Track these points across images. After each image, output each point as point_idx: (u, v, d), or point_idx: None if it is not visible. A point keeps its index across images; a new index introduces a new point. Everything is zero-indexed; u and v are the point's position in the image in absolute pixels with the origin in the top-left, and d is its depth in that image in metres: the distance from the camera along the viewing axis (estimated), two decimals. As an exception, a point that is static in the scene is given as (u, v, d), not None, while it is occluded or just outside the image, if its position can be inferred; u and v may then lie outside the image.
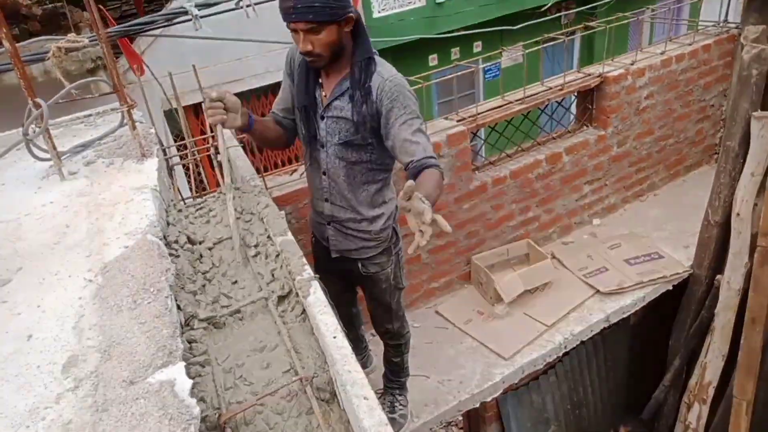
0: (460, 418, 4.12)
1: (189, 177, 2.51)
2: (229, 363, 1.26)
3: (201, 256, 1.59)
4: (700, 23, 4.12)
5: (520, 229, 3.51)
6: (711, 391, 3.26)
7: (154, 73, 5.52)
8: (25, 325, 1.23)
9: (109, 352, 1.12)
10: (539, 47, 3.33)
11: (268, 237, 1.58)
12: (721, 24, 4.07)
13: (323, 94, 1.89)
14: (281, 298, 1.40)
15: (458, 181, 3.13)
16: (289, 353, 1.23)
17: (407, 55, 7.00)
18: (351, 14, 1.72)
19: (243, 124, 1.80)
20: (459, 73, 3.23)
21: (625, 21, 3.50)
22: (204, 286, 1.48)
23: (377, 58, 1.84)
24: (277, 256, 1.50)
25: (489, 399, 2.84)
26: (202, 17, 2.58)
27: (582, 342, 3.13)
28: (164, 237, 1.58)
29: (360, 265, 2.18)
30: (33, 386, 1.07)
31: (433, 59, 7.40)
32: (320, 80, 1.89)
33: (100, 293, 1.28)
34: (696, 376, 3.33)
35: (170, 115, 4.89)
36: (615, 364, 3.72)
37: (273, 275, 1.46)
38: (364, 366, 2.90)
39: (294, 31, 1.71)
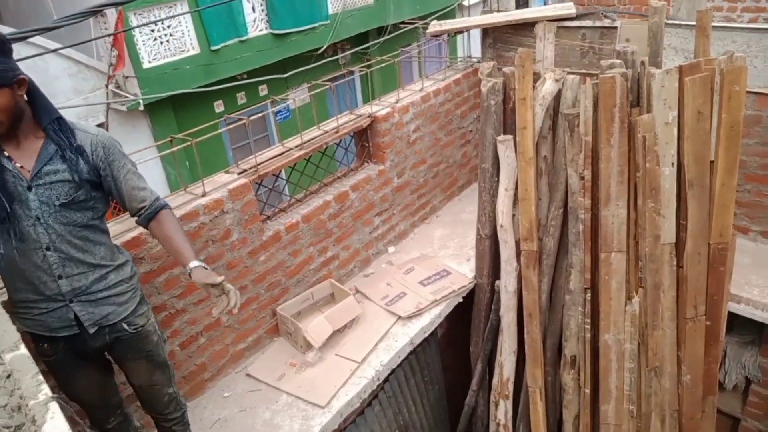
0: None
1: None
2: None
3: None
4: (452, 59, 4.66)
5: (321, 270, 3.54)
6: (510, 387, 3.62)
7: None
8: None
9: None
10: (311, 92, 3.43)
11: (-2, 356, 1.33)
12: (466, 59, 4.66)
13: (17, 165, 1.78)
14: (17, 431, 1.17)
15: (249, 234, 3.05)
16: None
17: (190, 104, 6.75)
18: (23, 76, 1.69)
19: None
20: (232, 126, 3.18)
21: (384, 64, 3.81)
22: None
23: (64, 117, 1.87)
24: (8, 377, 1.26)
25: (312, 453, 2.77)
26: None
27: (394, 368, 3.25)
28: None
29: (125, 325, 2.06)
30: None
31: (218, 105, 7.24)
32: (4, 151, 1.78)
33: None
34: (497, 375, 3.66)
35: None
36: (431, 379, 3.93)
37: (6, 406, 1.22)
38: None
39: None
